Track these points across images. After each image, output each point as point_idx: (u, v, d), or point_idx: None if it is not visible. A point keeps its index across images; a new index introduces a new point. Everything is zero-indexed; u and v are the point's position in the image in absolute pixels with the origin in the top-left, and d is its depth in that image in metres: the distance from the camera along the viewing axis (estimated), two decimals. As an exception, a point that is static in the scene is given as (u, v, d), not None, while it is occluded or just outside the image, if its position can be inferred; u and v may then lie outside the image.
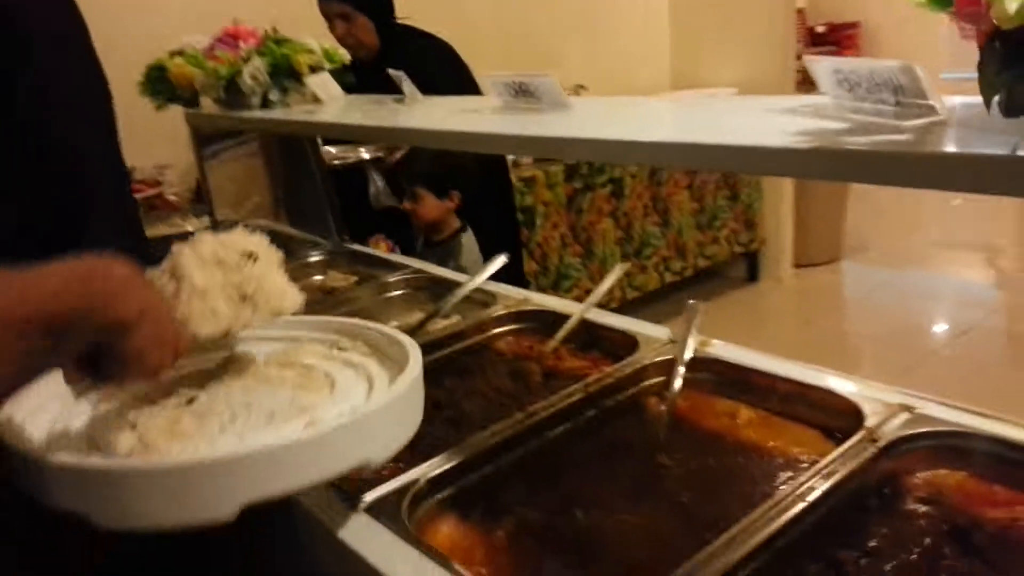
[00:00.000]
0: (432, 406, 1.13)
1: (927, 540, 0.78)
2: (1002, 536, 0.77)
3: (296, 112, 1.74)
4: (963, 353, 3.13)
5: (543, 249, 3.20)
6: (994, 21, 0.49)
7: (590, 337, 1.29)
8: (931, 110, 0.64)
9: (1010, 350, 3.13)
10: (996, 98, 0.52)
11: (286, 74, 1.83)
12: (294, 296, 0.87)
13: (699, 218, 3.71)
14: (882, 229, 4.57)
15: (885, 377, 0.97)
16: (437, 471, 0.92)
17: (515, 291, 1.51)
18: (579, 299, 1.86)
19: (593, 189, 3.32)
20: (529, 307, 1.41)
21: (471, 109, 1.34)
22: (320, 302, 1.63)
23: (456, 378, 1.23)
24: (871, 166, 0.60)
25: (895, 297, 3.78)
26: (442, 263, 2.00)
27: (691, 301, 1.17)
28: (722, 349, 1.13)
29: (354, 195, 2.32)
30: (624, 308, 3.28)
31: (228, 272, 0.81)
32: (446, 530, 0.89)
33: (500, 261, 1.55)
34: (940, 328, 3.45)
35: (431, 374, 1.12)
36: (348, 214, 2.18)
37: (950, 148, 0.58)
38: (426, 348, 0.96)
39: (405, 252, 2.16)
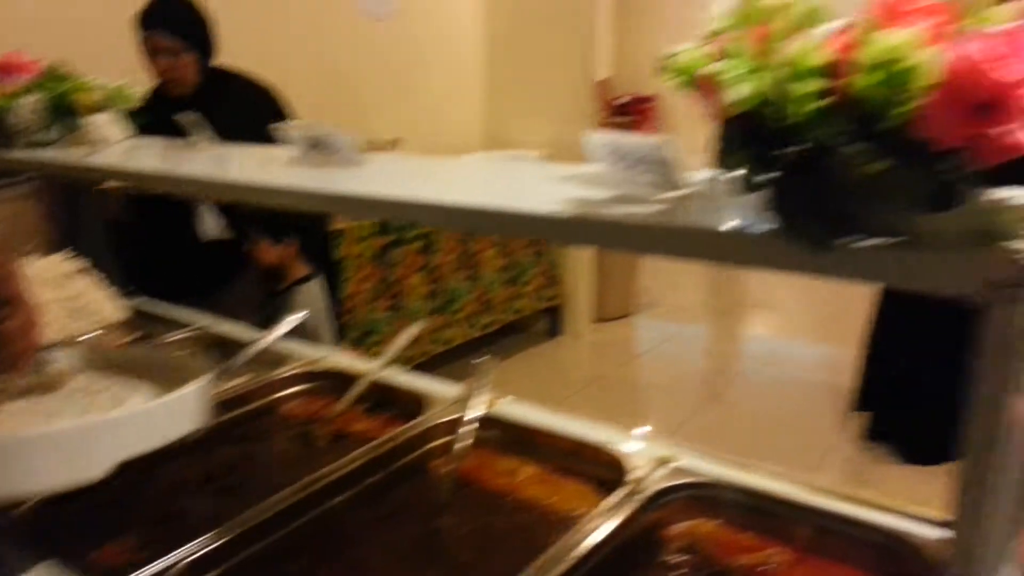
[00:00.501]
0: (203, 478, 1.05)
1: (685, 587, 0.82)
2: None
3: (68, 154, 1.59)
4: (740, 399, 3.43)
5: (351, 302, 3.13)
6: (724, 106, 0.54)
7: (381, 397, 1.27)
8: (682, 184, 0.70)
9: (779, 396, 3.47)
10: (734, 173, 0.57)
11: (66, 112, 1.68)
12: (117, 308, 1.04)
13: (507, 273, 3.82)
14: (672, 287, 4.95)
15: (671, 423, 1.02)
16: (200, 552, 0.84)
17: (309, 349, 1.45)
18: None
19: (404, 244, 3.32)
20: (321, 367, 1.36)
21: (261, 158, 1.29)
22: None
23: (235, 445, 1.16)
24: (614, 235, 0.64)
25: (681, 349, 4.10)
26: (275, 317, 1.87)
27: (476, 360, 1.18)
28: (508, 407, 1.15)
29: (176, 227, 2.13)
30: (431, 362, 3.27)
31: (58, 288, 0.97)
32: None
33: (297, 318, 1.49)
34: (719, 377, 3.77)
35: (204, 442, 1.05)
36: (168, 249, 2.01)
37: (682, 221, 0.63)
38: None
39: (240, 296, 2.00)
